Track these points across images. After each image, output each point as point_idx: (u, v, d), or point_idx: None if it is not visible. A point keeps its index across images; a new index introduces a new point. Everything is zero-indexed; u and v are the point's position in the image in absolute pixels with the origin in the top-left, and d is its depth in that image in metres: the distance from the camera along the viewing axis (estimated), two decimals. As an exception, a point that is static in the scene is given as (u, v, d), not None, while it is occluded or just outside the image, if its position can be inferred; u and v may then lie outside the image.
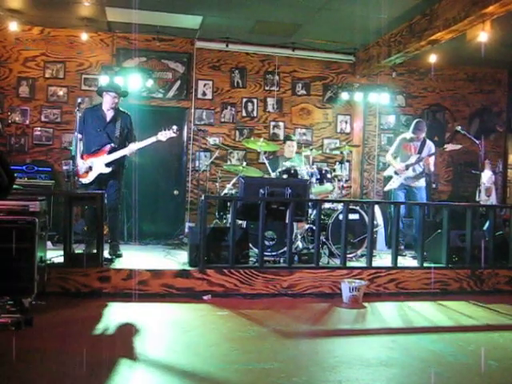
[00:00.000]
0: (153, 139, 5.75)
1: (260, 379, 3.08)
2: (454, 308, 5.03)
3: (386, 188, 7.12)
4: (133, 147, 5.69)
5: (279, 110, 8.51)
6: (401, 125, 8.89)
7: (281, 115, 8.52)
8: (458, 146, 6.92)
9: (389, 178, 7.01)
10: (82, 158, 5.65)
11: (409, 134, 6.94)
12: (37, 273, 4.10)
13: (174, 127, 5.79)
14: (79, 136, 5.73)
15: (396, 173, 6.84)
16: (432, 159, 6.76)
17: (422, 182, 6.89)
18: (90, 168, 5.62)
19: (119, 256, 5.64)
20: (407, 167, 6.75)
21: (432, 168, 6.82)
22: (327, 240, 6.13)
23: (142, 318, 4.28)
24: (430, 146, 6.87)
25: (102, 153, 5.63)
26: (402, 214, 6.51)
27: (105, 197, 5.36)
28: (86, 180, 5.64)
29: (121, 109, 5.89)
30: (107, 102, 5.78)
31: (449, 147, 6.85)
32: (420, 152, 6.78)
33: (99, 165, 5.62)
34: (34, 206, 4.18)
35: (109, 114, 5.79)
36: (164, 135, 5.76)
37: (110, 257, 5.52)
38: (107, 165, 5.62)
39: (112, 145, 5.65)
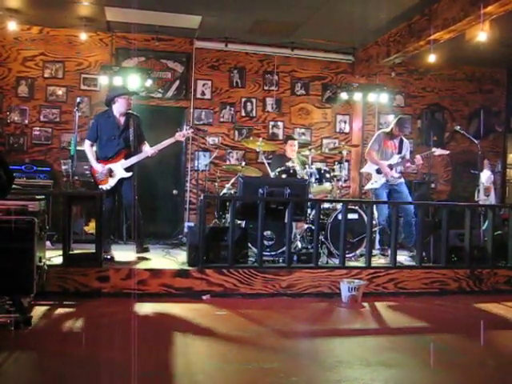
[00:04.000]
0: (171, 140, 5.83)
1: (259, 379, 3.08)
2: (453, 308, 5.03)
3: (367, 187, 6.94)
4: (150, 151, 5.75)
5: (278, 110, 8.51)
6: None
7: (280, 115, 8.52)
8: (446, 152, 6.89)
9: (368, 176, 6.87)
10: (98, 163, 5.71)
11: (389, 129, 6.81)
12: (36, 272, 4.09)
13: (190, 127, 6.01)
14: (90, 143, 5.79)
15: (379, 172, 6.65)
16: (421, 159, 6.66)
17: (400, 178, 6.77)
18: (110, 174, 5.67)
19: (146, 250, 5.77)
20: (391, 167, 6.60)
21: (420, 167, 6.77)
22: (326, 240, 6.12)
23: (141, 318, 4.28)
24: (407, 144, 6.82)
25: (119, 158, 5.70)
26: (386, 213, 6.44)
27: (104, 196, 5.36)
28: (107, 186, 5.70)
29: (130, 111, 5.89)
30: (123, 107, 5.77)
31: (437, 151, 6.78)
32: (400, 151, 6.70)
33: (118, 170, 5.69)
34: (33, 205, 4.17)
35: (121, 119, 5.80)
36: (182, 135, 5.86)
37: (137, 255, 5.70)
38: (127, 169, 5.69)
39: (128, 149, 5.70)
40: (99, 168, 5.69)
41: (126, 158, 5.70)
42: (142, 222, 5.87)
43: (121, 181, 5.74)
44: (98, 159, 5.77)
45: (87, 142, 5.82)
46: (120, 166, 5.69)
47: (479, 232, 6.18)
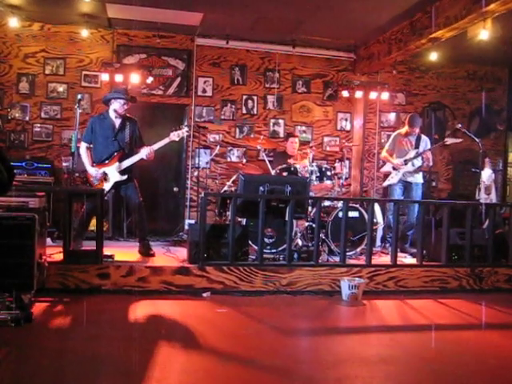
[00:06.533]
0: (166, 140, 5.74)
1: (260, 376, 3.08)
2: (454, 306, 5.03)
3: (385, 183, 7.15)
4: (146, 151, 5.62)
5: (279, 108, 8.50)
6: (401, 123, 8.87)
7: (281, 112, 8.51)
8: (459, 140, 6.96)
9: (387, 174, 7.05)
10: (92, 167, 5.62)
11: (404, 129, 6.99)
12: (36, 269, 4.10)
13: (185, 126, 5.84)
14: (86, 145, 5.70)
15: (394, 168, 6.87)
16: (430, 153, 6.78)
17: (419, 179, 6.89)
18: (105, 178, 5.58)
19: (151, 255, 5.63)
20: (406, 162, 6.78)
21: (431, 163, 6.86)
22: (327, 237, 6.13)
23: (141, 315, 4.28)
24: (425, 140, 6.93)
25: (114, 161, 5.59)
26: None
27: (104, 194, 5.36)
28: None
29: (128, 115, 5.82)
30: (117, 110, 5.67)
31: (449, 141, 6.88)
32: (417, 147, 6.82)
33: (113, 173, 5.59)
34: (34, 202, 4.18)
35: (117, 122, 5.70)
36: (177, 135, 5.75)
37: (145, 255, 5.61)
38: (121, 172, 5.60)
39: (122, 152, 5.62)
40: (93, 172, 5.58)
41: (121, 160, 5.59)
42: (146, 225, 5.81)
43: (119, 184, 5.65)
44: (94, 162, 5.67)
45: (83, 145, 5.71)
46: (115, 169, 5.57)
47: (482, 230, 6.18)
